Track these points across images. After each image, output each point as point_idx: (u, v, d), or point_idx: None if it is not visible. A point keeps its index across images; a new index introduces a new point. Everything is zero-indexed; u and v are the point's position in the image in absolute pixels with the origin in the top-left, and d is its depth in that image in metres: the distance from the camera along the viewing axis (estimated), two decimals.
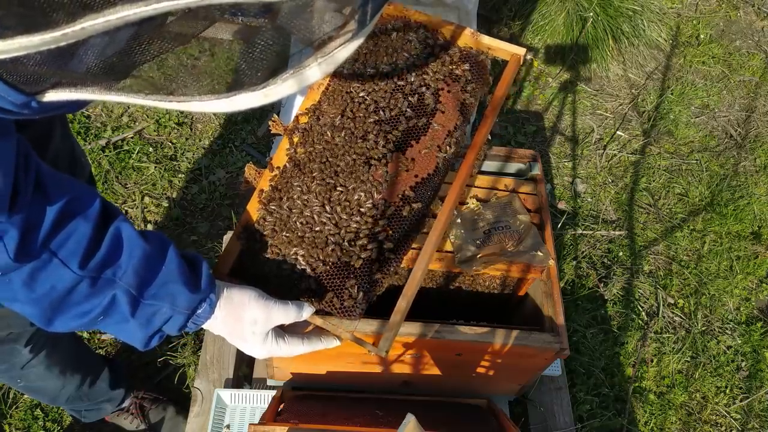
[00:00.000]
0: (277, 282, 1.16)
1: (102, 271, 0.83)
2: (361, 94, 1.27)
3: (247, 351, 1.04)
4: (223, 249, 1.14)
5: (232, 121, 2.66)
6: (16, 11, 0.47)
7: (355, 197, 1.19)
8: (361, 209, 1.19)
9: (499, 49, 1.41)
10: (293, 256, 1.16)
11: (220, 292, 0.98)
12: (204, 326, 0.97)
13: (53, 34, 0.49)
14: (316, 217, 1.18)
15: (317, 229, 1.17)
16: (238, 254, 1.21)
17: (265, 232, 1.20)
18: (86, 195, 0.84)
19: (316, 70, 0.60)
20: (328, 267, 1.15)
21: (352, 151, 1.23)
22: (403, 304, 1.16)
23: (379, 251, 1.20)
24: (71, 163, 1.42)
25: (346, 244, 1.16)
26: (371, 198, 1.19)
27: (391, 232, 1.22)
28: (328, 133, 1.24)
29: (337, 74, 1.28)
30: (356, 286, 1.16)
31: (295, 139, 1.30)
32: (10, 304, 0.82)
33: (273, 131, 1.31)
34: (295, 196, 1.20)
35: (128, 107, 2.62)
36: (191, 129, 2.63)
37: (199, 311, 0.94)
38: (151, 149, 2.52)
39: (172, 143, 2.57)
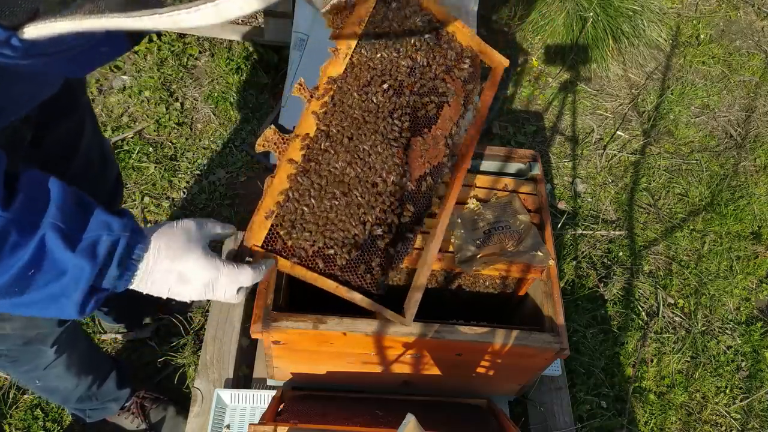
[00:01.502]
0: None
1: (23, 215, 0.75)
2: (384, 75, 1.26)
3: (187, 278, 0.90)
4: (251, 222, 1.10)
5: (232, 120, 2.66)
6: None
7: (381, 177, 1.20)
8: (388, 188, 1.20)
9: (489, 55, 1.41)
10: (325, 232, 1.14)
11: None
12: (142, 264, 0.86)
13: None
14: (347, 194, 1.17)
15: (348, 206, 1.17)
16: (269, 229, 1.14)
17: (297, 207, 1.15)
18: None
19: None
20: (358, 243, 1.15)
21: (375, 130, 1.22)
22: (424, 272, 1.20)
23: (398, 229, 1.23)
24: (102, 160, 1.41)
25: (374, 222, 1.18)
26: (397, 177, 1.21)
27: (412, 210, 1.26)
28: (355, 107, 1.23)
29: (360, 48, 1.25)
30: (381, 264, 1.18)
31: (320, 109, 1.23)
32: None
33: (295, 94, 1.23)
34: (325, 172, 1.18)
35: (128, 107, 2.62)
36: (191, 129, 2.63)
37: (135, 235, 0.85)
38: (151, 149, 2.52)
39: (172, 143, 2.57)
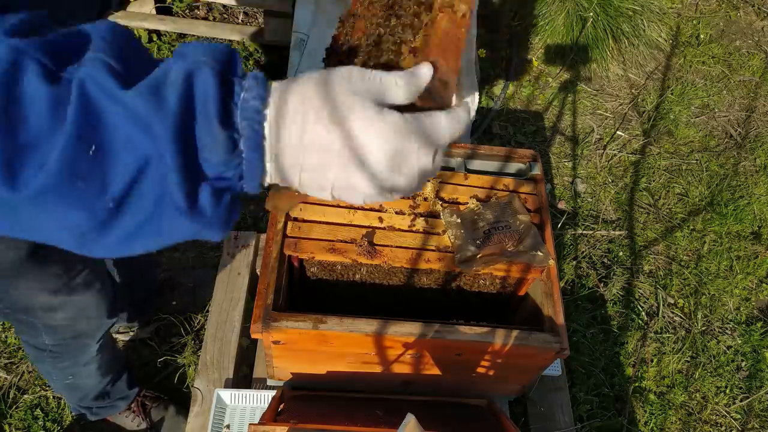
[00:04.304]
0: None
1: (59, 62, 0.46)
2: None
3: (362, 154, 0.51)
4: None
5: None
6: None
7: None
8: None
9: None
10: None
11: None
12: (268, 129, 0.50)
13: None
14: None
15: None
16: None
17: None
18: None
19: None
20: None
21: None
22: None
23: None
24: None
25: None
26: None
27: None
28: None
29: None
30: None
31: None
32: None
33: None
34: None
35: None
36: None
37: (244, 84, 0.50)
38: None
39: None
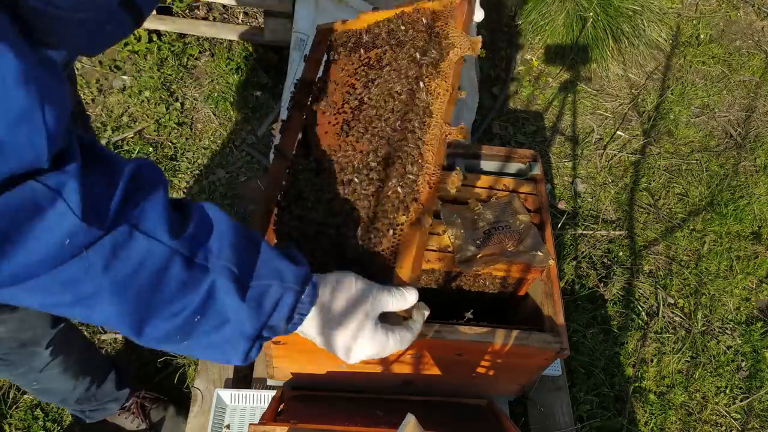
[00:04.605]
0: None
1: (194, 251, 0.67)
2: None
3: (352, 349, 0.82)
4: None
5: (232, 121, 2.66)
6: None
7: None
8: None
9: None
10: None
11: (322, 278, 0.80)
12: (306, 319, 0.78)
13: None
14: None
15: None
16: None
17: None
18: (150, 162, 0.69)
19: None
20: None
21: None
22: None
23: None
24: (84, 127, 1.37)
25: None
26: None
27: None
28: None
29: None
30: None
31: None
32: (92, 308, 0.64)
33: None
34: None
35: (128, 107, 2.62)
36: (191, 129, 2.63)
37: (306, 292, 0.76)
38: (151, 149, 2.52)
39: (172, 143, 2.57)
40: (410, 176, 0.99)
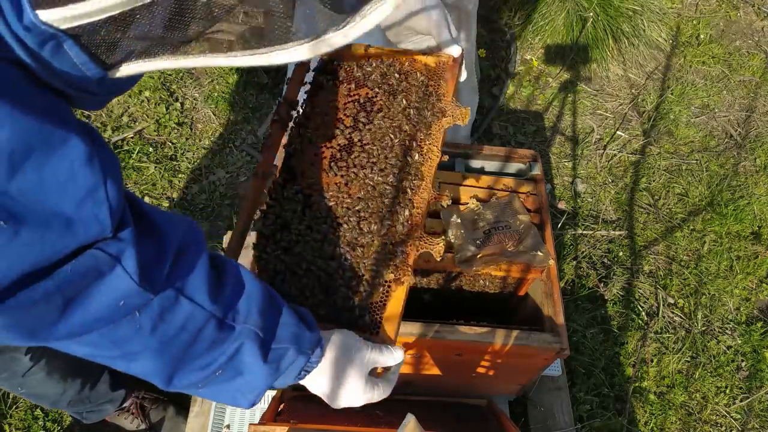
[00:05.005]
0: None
1: (226, 313, 0.75)
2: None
3: (343, 400, 0.91)
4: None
5: (232, 121, 2.66)
6: None
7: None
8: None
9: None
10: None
11: (325, 336, 0.90)
12: (308, 376, 0.87)
13: None
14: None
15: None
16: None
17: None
18: (194, 226, 0.76)
19: (389, 4, 0.56)
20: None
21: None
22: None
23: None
24: None
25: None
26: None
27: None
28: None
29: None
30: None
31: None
32: (133, 362, 0.72)
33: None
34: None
35: (128, 107, 2.62)
36: (191, 129, 2.63)
37: (315, 353, 0.85)
38: (151, 149, 2.52)
39: (172, 143, 2.57)
40: (401, 236, 1.04)
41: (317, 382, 0.89)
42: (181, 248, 0.70)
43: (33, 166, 0.52)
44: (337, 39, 0.58)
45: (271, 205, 1.10)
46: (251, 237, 1.10)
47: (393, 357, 0.95)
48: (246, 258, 1.10)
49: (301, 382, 0.88)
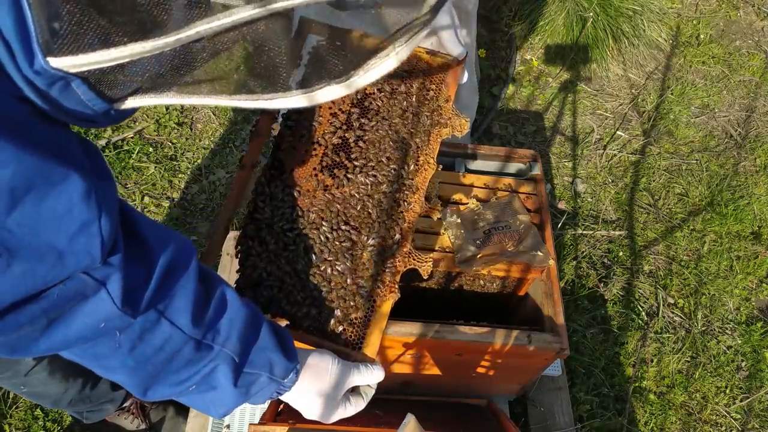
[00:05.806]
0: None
1: (206, 334, 0.77)
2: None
3: (317, 417, 0.95)
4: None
5: (232, 121, 2.66)
6: (134, 17, 0.48)
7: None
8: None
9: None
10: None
11: (302, 358, 0.92)
12: (283, 395, 0.91)
13: (166, 39, 0.49)
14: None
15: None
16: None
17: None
18: (185, 245, 0.76)
19: (393, 59, 0.59)
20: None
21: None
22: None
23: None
24: None
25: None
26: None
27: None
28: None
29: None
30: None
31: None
32: (111, 373, 0.75)
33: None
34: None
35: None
36: (191, 129, 2.63)
37: (287, 379, 0.88)
38: (151, 149, 2.52)
39: (172, 143, 2.57)
40: (390, 251, 1.04)
41: (291, 399, 0.92)
42: (168, 270, 0.72)
43: (32, 201, 0.54)
44: (338, 90, 0.60)
45: (260, 206, 1.09)
46: (234, 233, 1.09)
47: (372, 376, 0.98)
48: (229, 249, 1.09)
49: (284, 398, 0.92)
